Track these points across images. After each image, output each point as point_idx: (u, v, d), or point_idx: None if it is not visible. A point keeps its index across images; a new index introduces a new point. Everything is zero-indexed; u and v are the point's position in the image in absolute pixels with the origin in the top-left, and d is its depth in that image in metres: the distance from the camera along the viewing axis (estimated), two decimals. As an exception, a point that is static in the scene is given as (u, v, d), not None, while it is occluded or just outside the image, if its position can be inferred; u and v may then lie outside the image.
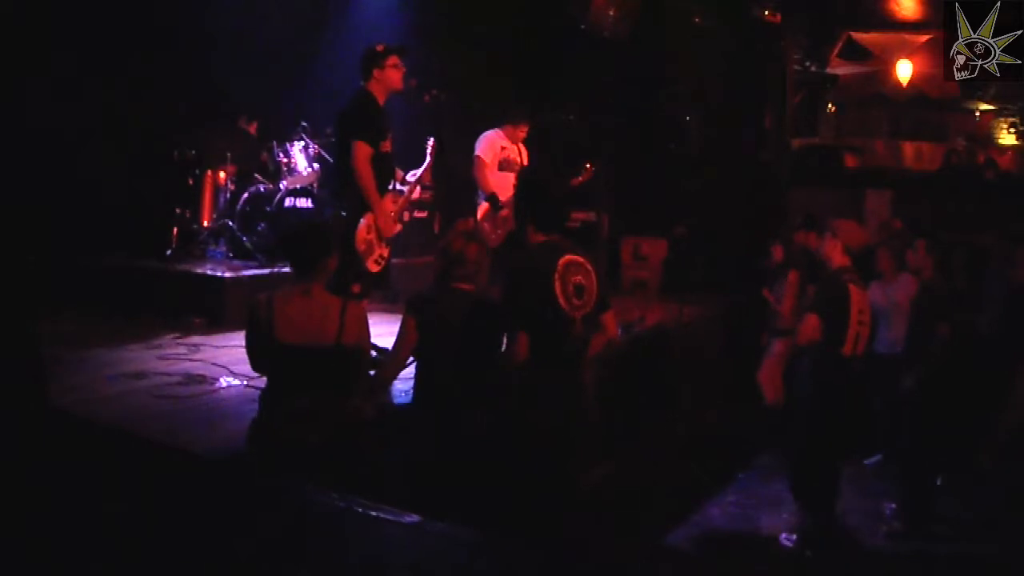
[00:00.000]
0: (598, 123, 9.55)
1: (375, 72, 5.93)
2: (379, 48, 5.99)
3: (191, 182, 8.41)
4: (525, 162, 7.60)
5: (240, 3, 8.51)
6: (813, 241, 7.93)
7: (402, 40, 9.15)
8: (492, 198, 7.23)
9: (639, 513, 5.93)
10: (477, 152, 7.42)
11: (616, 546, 4.99)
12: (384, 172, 6.02)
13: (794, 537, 6.00)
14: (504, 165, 7.50)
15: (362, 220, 5.84)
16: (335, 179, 6.32)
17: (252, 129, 9.09)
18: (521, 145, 7.67)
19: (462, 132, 8.60)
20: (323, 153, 8.99)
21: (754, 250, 9.17)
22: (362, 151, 5.81)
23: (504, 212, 7.18)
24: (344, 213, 5.91)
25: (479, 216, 7.32)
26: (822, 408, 5.77)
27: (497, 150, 7.52)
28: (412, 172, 6.63)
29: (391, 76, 5.97)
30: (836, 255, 5.86)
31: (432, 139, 6.66)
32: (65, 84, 7.43)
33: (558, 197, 4.62)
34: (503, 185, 7.28)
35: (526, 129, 7.61)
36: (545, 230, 4.40)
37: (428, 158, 6.54)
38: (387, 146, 5.96)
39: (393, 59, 5.98)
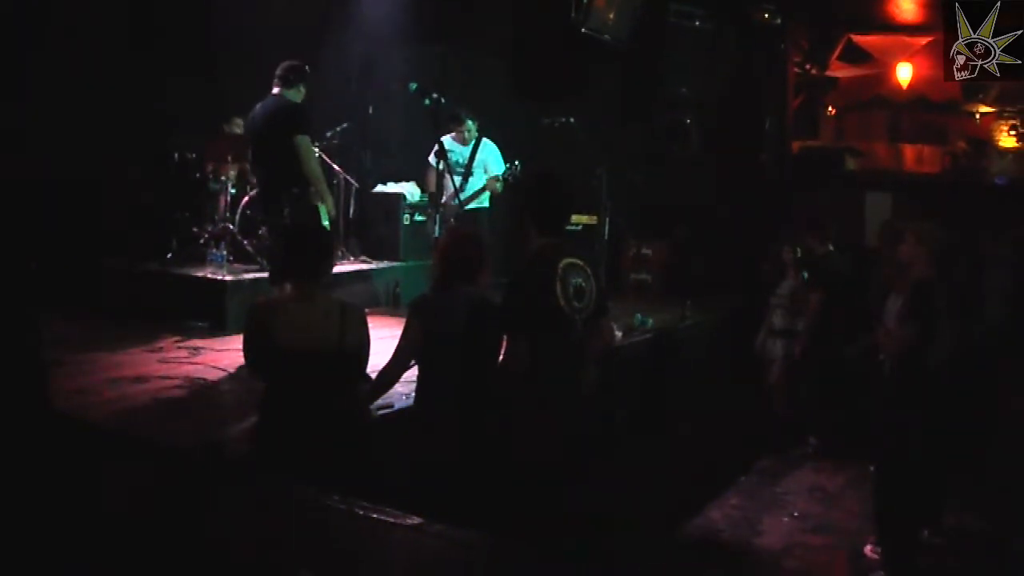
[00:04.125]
0: (599, 126, 9.54)
1: (301, 87, 6.58)
2: (307, 68, 6.65)
3: (192, 185, 8.41)
4: (472, 161, 8.27)
5: (241, 5, 8.51)
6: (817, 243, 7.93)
7: (402, 43, 9.29)
8: (430, 195, 8.08)
9: (640, 516, 5.92)
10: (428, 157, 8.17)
11: (618, 549, 4.98)
12: None
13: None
14: (450, 167, 8.08)
15: (323, 212, 6.48)
16: (278, 177, 6.57)
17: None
18: (481, 144, 8.32)
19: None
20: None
21: (755, 253, 9.17)
22: (310, 145, 6.53)
23: None
24: (287, 210, 6.39)
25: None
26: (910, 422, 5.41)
27: (445, 152, 8.05)
28: None
29: (302, 94, 6.64)
30: (920, 264, 5.42)
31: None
32: (67, 86, 7.44)
33: (562, 199, 4.61)
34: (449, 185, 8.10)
35: (463, 128, 8.28)
36: (548, 232, 4.41)
37: None
38: None
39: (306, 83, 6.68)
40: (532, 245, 4.40)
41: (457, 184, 8.07)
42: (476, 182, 8.27)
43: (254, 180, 8.37)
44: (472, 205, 8.23)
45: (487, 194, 8.32)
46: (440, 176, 7.81)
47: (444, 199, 7.83)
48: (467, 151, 8.32)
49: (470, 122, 8.29)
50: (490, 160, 8.33)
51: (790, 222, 9.05)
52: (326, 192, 6.78)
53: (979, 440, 6.15)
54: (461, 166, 8.28)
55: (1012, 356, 6.44)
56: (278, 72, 6.56)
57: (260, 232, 8.15)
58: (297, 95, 6.59)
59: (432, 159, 7.97)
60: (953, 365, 5.39)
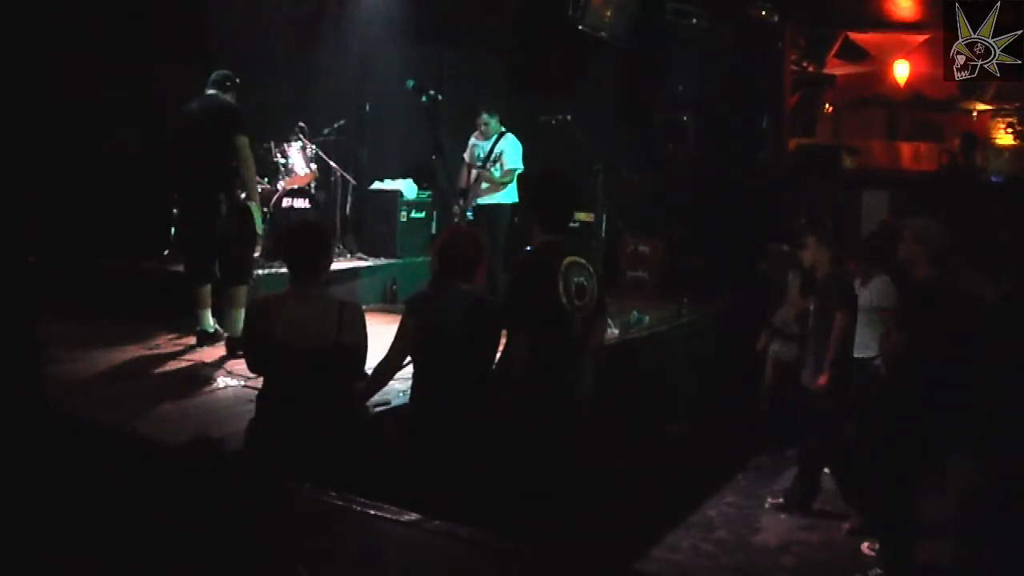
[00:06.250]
0: (596, 123, 9.54)
1: (233, 95, 6.68)
2: (235, 76, 6.76)
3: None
4: (490, 155, 8.26)
5: (240, 3, 8.50)
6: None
7: (400, 39, 9.28)
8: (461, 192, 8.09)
9: (636, 515, 5.92)
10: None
11: (612, 547, 4.99)
12: None
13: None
14: (472, 163, 8.31)
15: (256, 210, 6.55)
16: (221, 174, 6.57)
17: None
18: (502, 138, 8.29)
19: (460, 132, 8.64)
20: (321, 153, 8.99)
21: (752, 251, 9.17)
22: (248, 146, 6.54)
23: None
24: (226, 207, 6.45)
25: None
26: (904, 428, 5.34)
27: (470, 148, 8.37)
28: None
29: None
30: (920, 264, 5.33)
31: None
32: (65, 85, 7.42)
33: (568, 198, 4.61)
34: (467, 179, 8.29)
35: (481, 120, 8.33)
36: (551, 230, 4.40)
37: None
38: None
39: None
40: (536, 242, 4.40)
41: (473, 179, 8.16)
42: (491, 177, 8.27)
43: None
44: (487, 201, 8.22)
45: (509, 190, 8.30)
46: (459, 173, 7.93)
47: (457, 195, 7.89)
48: (488, 146, 8.30)
49: (486, 115, 8.30)
50: (505, 155, 8.28)
51: (788, 219, 9.04)
52: (256, 194, 6.77)
53: (977, 438, 6.14)
54: (481, 163, 8.31)
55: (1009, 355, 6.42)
56: (214, 78, 6.68)
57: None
58: (232, 100, 6.71)
59: (464, 156, 8.31)
60: (951, 365, 5.38)
